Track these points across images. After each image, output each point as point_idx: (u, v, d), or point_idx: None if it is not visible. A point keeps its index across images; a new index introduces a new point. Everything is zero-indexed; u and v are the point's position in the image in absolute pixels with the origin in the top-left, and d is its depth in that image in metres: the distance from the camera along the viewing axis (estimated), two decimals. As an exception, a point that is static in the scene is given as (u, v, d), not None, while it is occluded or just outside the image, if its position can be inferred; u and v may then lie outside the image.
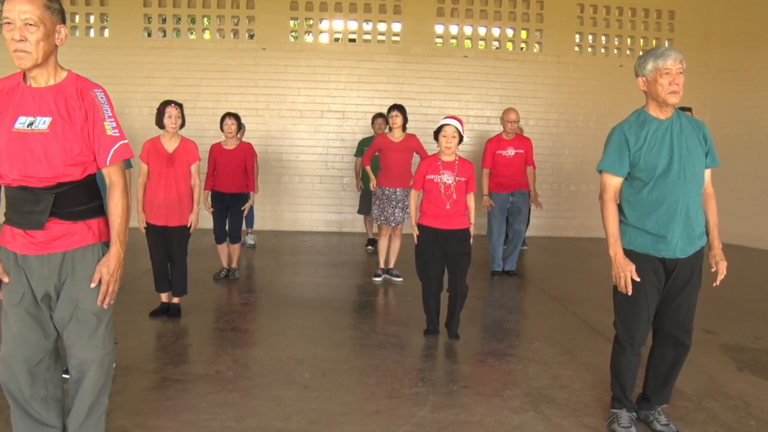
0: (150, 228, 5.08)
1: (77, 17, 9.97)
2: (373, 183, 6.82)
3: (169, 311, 5.21)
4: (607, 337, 4.72)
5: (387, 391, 3.79)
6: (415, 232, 4.87)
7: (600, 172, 3.22)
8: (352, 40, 10.55)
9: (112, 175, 2.45)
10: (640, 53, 10.59)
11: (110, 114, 2.42)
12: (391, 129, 6.69)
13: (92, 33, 10.15)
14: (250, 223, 8.86)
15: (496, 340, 4.91)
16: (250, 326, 5.15)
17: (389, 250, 6.88)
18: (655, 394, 3.36)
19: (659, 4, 10.78)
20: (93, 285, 2.43)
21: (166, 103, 5.08)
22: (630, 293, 3.08)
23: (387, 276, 6.84)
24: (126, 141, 2.46)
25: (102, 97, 2.41)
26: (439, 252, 4.75)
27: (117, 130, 2.42)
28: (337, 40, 10.50)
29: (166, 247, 5.13)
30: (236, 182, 6.53)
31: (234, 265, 6.80)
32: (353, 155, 9.29)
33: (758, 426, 3.47)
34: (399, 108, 6.61)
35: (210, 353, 4.41)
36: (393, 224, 6.64)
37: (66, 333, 2.48)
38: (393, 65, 10.39)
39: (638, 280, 3.08)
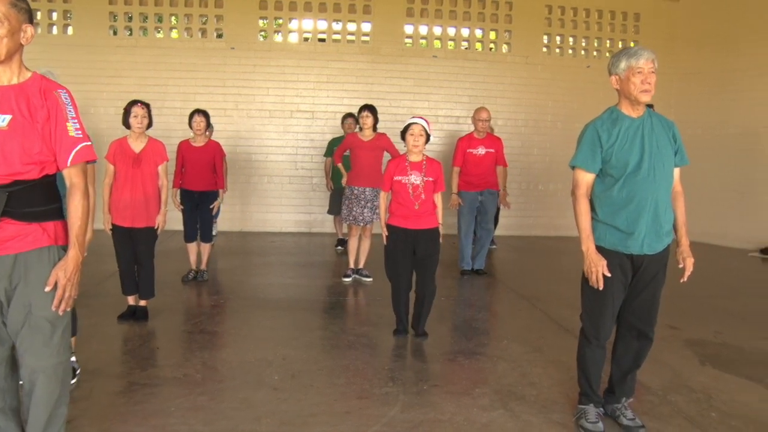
0: (116, 229, 5.00)
1: (39, 14, 9.78)
2: (344, 180, 6.82)
3: (136, 314, 5.14)
4: (574, 334, 4.76)
5: (357, 392, 3.79)
6: (385, 233, 4.87)
7: (573, 167, 3.26)
8: (322, 40, 10.54)
9: (72, 177, 2.37)
10: (607, 54, 10.81)
11: (74, 115, 2.36)
12: (361, 129, 6.69)
13: (55, 30, 9.97)
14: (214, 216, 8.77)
15: (465, 339, 4.94)
16: (219, 328, 5.10)
17: (359, 250, 6.88)
18: (619, 386, 3.42)
19: (625, 6, 10.96)
20: (48, 288, 2.31)
21: (133, 103, 5.01)
22: (601, 288, 3.13)
23: (357, 276, 6.84)
24: (89, 143, 2.40)
25: (66, 98, 2.35)
26: (409, 252, 4.76)
27: (80, 132, 2.36)
28: (306, 39, 10.47)
29: (133, 248, 5.05)
30: (205, 180, 6.47)
31: (203, 266, 6.73)
32: (323, 155, 9.27)
33: (719, 417, 3.55)
34: (370, 108, 6.62)
35: (178, 356, 4.36)
36: (362, 224, 6.63)
37: (18, 340, 2.35)
38: (362, 65, 10.39)
39: (609, 275, 3.12)
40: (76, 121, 2.36)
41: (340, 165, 6.97)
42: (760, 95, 9.85)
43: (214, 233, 8.60)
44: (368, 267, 6.90)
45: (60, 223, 2.42)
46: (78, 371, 3.82)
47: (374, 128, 6.68)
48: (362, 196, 6.58)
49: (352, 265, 6.88)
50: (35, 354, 2.35)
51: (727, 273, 8.25)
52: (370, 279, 6.76)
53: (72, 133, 2.34)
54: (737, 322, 5.63)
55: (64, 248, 2.39)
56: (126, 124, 5.02)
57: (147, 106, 5.03)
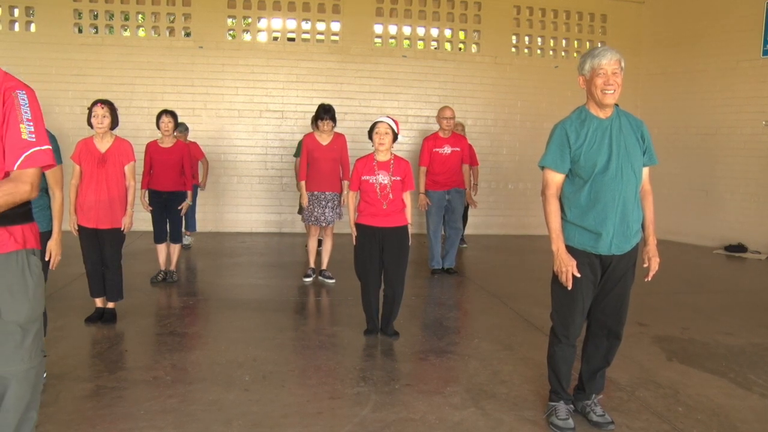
0: (82, 230, 4.91)
1: None
2: (304, 200, 6.62)
3: (104, 316, 5.06)
4: (544, 332, 4.82)
5: (329, 392, 3.78)
6: (354, 233, 4.86)
7: (542, 168, 3.27)
8: (291, 39, 10.49)
9: (21, 176, 2.19)
10: (575, 55, 10.95)
11: (30, 117, 2.21)
12: (318, 129, 6.58)
13: (17, 27, 9.76)
14: (192, 227, 8.70)
15: (436, 338, 4.96)
16: (189, 330, 5.05)
17: (322, 251, 6.85)
18: (589, 383, 3.46)
19: (592, 8, 11.11)
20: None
21: (94, 103, 4.92)
22: (570, 288, 3.15)
23: (320, 278, 6.79)
24: (45, 147, 2.23)
25: (23, 99, 2.21)
26: (377, 250, 4.76)
27: (34, 135, 2.21)
28: (275, 39, 10.40)
29: (99, 250, 4.97)
30: (172, 180, 6.42)
31: (172, 267, 6.65)
32: (292, 155, 9.22)
33: (685, 411, 3.61)
34: (331, 117, 6.43)
35: (147, 359, 4.31)
36: (323, 224, 6.59)
37: None
38: (332, 65, 10.37)
39: (579, 276, 3.14)
40: (31, 123, 2.21)
41: (303, 183, 6.64)
42: (722, 95, 10.07)
43: (187, 242, 8.54)
44: (332, 267, 6.86)
45: (28, 226, 2.33)
46: (44, 375, 3.74)
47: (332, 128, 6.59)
48: (322, 197, 6.52)
49: (312, 265, 6.84)
50: (6, 359, 2.27)
51: (693, 270, 8.41)
52: (333, 281, 6.70)
53: (25, 136, 2.19)
54: (703, 317, 5.74)
55: (34, 252, 2.32)
56: (89, 123, 4.94)
57: (109, 105, 4.92)
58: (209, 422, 3.30)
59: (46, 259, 3.51)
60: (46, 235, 3.55)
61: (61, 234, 3.61)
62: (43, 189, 3.62)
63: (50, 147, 2.27)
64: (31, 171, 2.20)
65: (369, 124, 4.95)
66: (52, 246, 3.57)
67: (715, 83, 10.16)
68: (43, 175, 3.42)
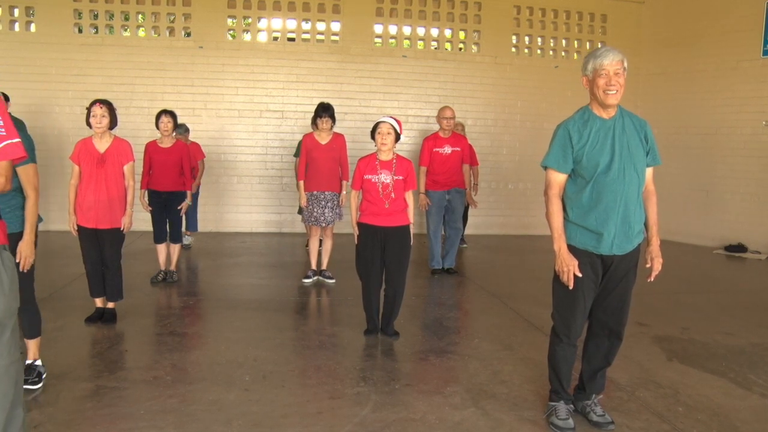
0: (81, 230, 4.90)
1: None
2: (303, 200, 6.58)
3: (104, 316, 5.05)
4: (545, 332, 4.82)
5: (329, 392, 3.78)
6: (356, 232, 4.86)
7: (544, 168, 3.27)
8: (291, 39, 10.49)
9: None
10: (575, 55, 10.95)
11: None
12: (318, 128, 6.57)
13: (17, 27, 9.76)
14: (193, 227, 8.70)
15: (436, 338, 4.96)
16: (189, 330, 5.05)
17: (322, 251, 6.84)
18: (589, 383, 3.46)
19: (592, 8, 11.11)
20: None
21: (92, 103, 4.91)
22: (572, 287, 3.15)
23: (320, 278, 6.79)
24: (15, 141, 2.26)
25: None
26: (379, 250, 4.77)
27: (3, 129, 2.24)
28: (275, 39, 10.40)
29: (99, 250, 4.97)
30: (172, 180, 6.42)
31: (172, 267, 6.65)
32: (292, 155, 9.22)
33: (685, 411, 3.61)
34: (330, 115, 6.43)
35: (147, 358, 4.31)
36: (323, 224, 6.57)
37: None
38: (332, 65, 10.37)
39: (580, 275, 3.14)
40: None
41: (302, 183, 6.60)
42: (722, 95, 10.07)
43: (187, 242, 8.53)
44: (332, 267, 6.86)
45: None
46: (44, 375, 3.75)
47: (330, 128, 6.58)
48: (322, 197, 6.50)
49: (314, 266, 6.83)
50: None
51: (693, 270, 8.40)
52: (333, 281, 6.71)
53: None
54: (703, 317, 5.74)
55: (5, 247, 2.33)
56: (88, 123, 4.93)
57: (107, 104, 4.90)
58: (209, 422, 3.30)
59: (17, 260, 3.39)
60: (18, 236, 3.44)
61: (33, 236, 3.50)
62: (17, 188, 3.55)
63: (20, 140, 2.30)
64: (4, 163, 2.23)
65: (369, 124, 4.96)
66: (23, 248, 3.45)
67: (715, 83, 10.16)
68: (15, 173, 3.38)
